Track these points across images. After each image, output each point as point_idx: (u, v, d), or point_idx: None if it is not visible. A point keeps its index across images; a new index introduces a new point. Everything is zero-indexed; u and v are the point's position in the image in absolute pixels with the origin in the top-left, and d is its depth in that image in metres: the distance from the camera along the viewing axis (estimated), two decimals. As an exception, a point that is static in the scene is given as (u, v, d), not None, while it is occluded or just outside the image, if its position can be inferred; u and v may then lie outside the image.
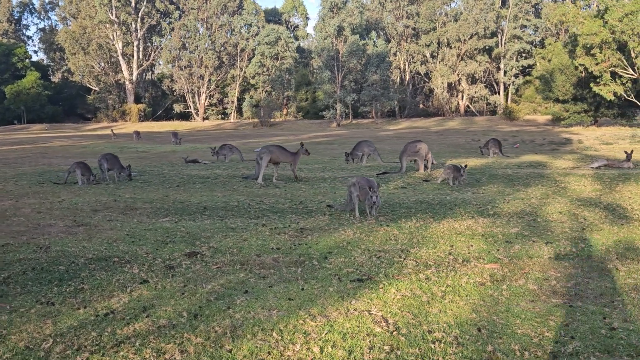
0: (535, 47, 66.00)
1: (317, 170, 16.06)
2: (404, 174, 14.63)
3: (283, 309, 4.98)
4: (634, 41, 32.12)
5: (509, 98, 66.36)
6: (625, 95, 35.51)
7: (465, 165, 13.03)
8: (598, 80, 36.14)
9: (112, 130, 39.20)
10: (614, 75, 35.63)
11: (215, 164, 18.54)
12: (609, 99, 36.19)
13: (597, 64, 34.90)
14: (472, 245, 7.11)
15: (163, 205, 10.29)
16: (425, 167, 15.15)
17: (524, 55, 66.95)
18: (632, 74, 34.38)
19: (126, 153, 24.64)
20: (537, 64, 65.65)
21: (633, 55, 33.31)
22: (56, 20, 77.46)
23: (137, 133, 37.09)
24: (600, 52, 34.42)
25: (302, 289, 5.53)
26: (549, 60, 61.27)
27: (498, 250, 6.88)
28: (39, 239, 7.68)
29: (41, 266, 6.42)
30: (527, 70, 67.63)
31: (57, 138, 39.47)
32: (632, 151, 15.58)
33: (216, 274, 6.14)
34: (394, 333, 4.41)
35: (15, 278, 6.03)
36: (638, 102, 36.02)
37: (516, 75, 66.20)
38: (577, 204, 9.94)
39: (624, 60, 34.24)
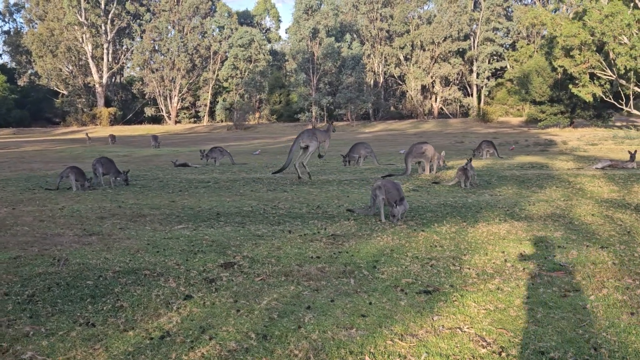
0: (507, 49, 66.56)
1: (317, 173, 15.56)
2: (409, 176, 14.21)
3: (361, 328, 4.48)
4: (614, 42, 32.35)
5: (482, 100, 66.73)
6: (603, 97, 35.80)
7: (470, 159, 12.75)
8: (577, 81, 36.36)
9: (87, 135, 38.15)
10: (592, 76, 35.90)
11: (207, 167, 17.91)
12: (587, 101, 36.45)
13: (576, 65, 35.11)
14: (524, 251, 6.70)
15: (172, 212, 9.69)
16: (431, 169, 14.77)
17: (495, 57, 67.47)
18: (610, 75, 34.68)
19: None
20: (509, 66, 66.31)
21: (612, 56, 33.58)
22: (22, 23, 75.46)
23: (113, 137, 36.17)
24: (580, 54, 34.63)
25: (370, 304, 5.04)
26: (522, 63, 62.01)
27: (555, 256, 6.48)
28: (52, 250, 7.04)
29: (66, 281, 5.82)
30: (499, 72, 68.21)
31: (28, 142, 38.26)
32: (635, 151, 15.46)
33: (263, 287, 5.61)
34: (503, 355, 3.94)
35: (41, 295, 5.42)
36: (616, 104, 36.33)
37: (489, 78, 66.64)
38: (605, 206, 9.64)
39: (603, 62, 34.51)
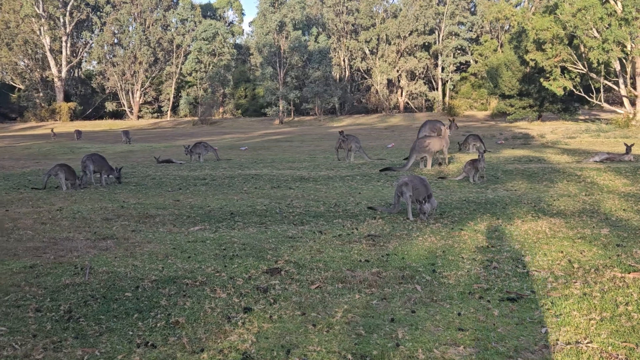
0: (472, 44, 66.94)
1: (310, 168, 15.04)
2: (408, 170, 13.80)
3: (468, 344, 4.02)
4: (586, 36, 32.60)
5: (447, 94, 67.01)
6: (574, 90, 36.11)
7: (484, 151, 12.43)
8: (548, 75, 36.57)
9: (52, 130, 36.68)
10: (563, 70, 36.17)
11: (193, 164, 17.20)
12: (557, 94, 36.71)
13: (548, 59, 35.29)
14: (583, 251, 6.33)
15: (181, 212, 9.06)
16: (440, 163, 14.40)
17: (460, 52, 67.81)
18: (581, 69, 34.97)
19: (79, 154, 22.76)
20: (472, 61, 66.76)
21: (584, 50, 33.85)
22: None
23: (79, 132, 34.91)
24: (552, 47, 34.82)
25: (459, 314, 4.58)
26: (486, 57, 62.47)
27: (619, 255, 6.12)
28: (70, 257, 6.38)
29: (101, 293, 5.20)
30: (463, 67, 68.59)
31: (-12, 139, 36.59)
32: (632, 144, 15.38)
33: (325, 297, 5.10)
34: (647, 372, 3.53)
35: (80, 311, 4.81)
36: (587, 97, 36.69)
37: (454, 72, 66.91)
38: (632, 200, 9.38)
39: (574, 55, 34.77)
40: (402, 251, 6.49)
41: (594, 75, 35.18)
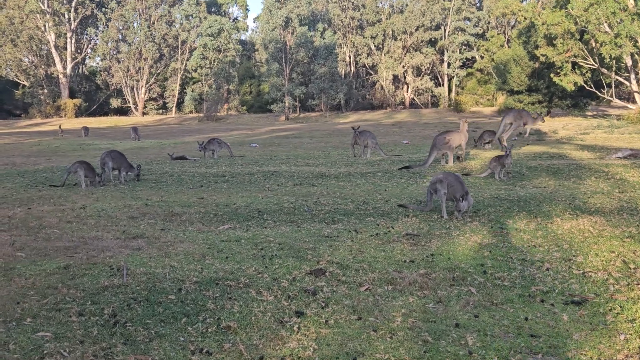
0: (479, 39, 66.54)
1: (328, 165, 14.80)
2: (428, 167, 13.56)
3: (546, 352, 3.81)
4: (599, 30, 32.29)
5: (453, 90, 66.68)
6: (585, 85, 35.80)
7: (511, 147, 12.21)
8: (558, 70, 36.27)
9: (59, 127, 36.49)
10: (573, 65, 35.86)
11: (208, 160, 16.98)
12: (568, 90, 36.39)
13: (559, 54, 34.97)
14: (636, 251, 6.11)
15: (207, 210, 8.84)
16: (459, 158, 14.18)
17: (466, 47, 67.43)
18: (592, 64, 34.65)
19: (89, 150, 22.63)
20: (477, 56, 66.41)
21: (596, 45, 33.54)
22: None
23: (86, 129, 34.75)
24: (563, 42, 34.51)
25: (526, 319, 4.36)
26: (493, 53, 62.12)
27: (675, 255, 5.89)
28: (103, 257, 6.17)
29: (143, 296, 5.00)
30: (468, 62, 68.18)
31: (-5, 135, 36.40)
32: (656, 140, 15.12)
33: (377, 300, 4.89)
34: None
35: (124, 315, 4.60)
36: (598, 92, 36.39)
37: (460, 67, 66.52)
38: (668, 198, 9.15)
39: (585, 50, 34.45)
40: (447, 251, 6.27)
41: (605, 71, 34.87)
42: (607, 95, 36.33)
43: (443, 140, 13.79)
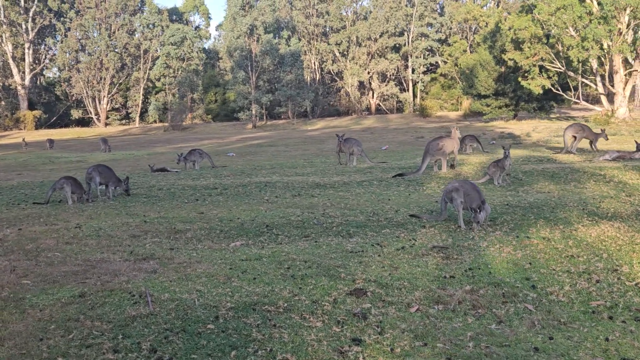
0: (442, 45, 67.08)
1: (319, 174, 14.45)
2: (422, 174, 13.33)
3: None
4: (566, 34, 32.75)
5: (418, 95, 67.04)
6: (552, 89, 36.29)
7: (509, 147, 12.05)
8: (526, 74, 36.71)
9: (23, 139, 35.25)
10: (541, 69, 36.34)
11: (188, 172, 16.46)
12: (536, 93, 36.86)
13: (526, 58, 35.40)
14: (678, 259, 5.92)
15: (211, 226, 8.39)
16: (452, 166, 13.97)
17: (429, 53, 67.92)
18: (559, 67, 35.15)
19: (60, 164, 21.88)
20: (440, 62, 66.95)
21: (562, 48, 34.02)
22: None
23: (51, 141, 33.75)
24: (530, 46, 34.94)
25: (607, 340, 4.09)
26: (456, 58, 62.76)
27: None
28: (118, 283, 5.70)
29: (178, 326, 4.58)
30: (432, 67, 68.66)
31: (-46, 150, 34.95)
32: (644, 142, 15.20)
33: (435, 323, 4.58)
34: None
35: (166, 349, 4.19)
36: (565, 95, 36.95)
37: (424, 73, 66.94)
38: (678, 200, 9.07)
39: (552, 54, 34.93)
40: (484, 264, 5.99)
41: (572, 74, 35.41)
42: (574, 98, 36.89)
43: (437, 147, 13.57)
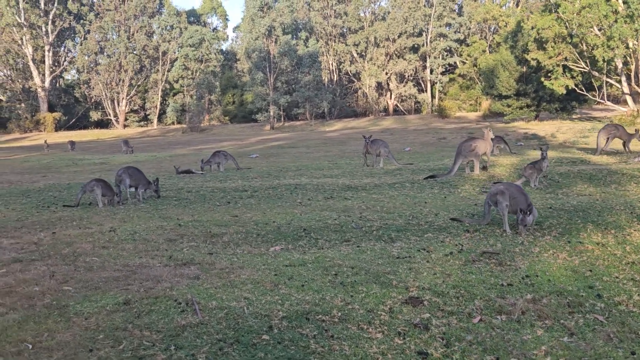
0: (461, 45, 66.54)
1: (348, 176, 14.23)
2: (454, 176, 13.07)
3: None
4: (591, 33, 32.25)
5: (437, 96, 66.56)
6: (576, 89, 35.76)
7: (547, 148, 11.75)
8: (549, 74, 36.21)
9: (45, 142, 35.43)
10: (564, 68, 35.81)
11: (215, 174, 16.31)
12: (559, 93, 36.32)
13: (550, 58, 34.91)
14: None
15: (247, 229, 8.20)
16: (484, 167, 13.70)
17: (448, 53, 67.43)
18: (583, 67, 34.62)
19: (83, 166, 21.85)
20: (458, 62, 66.38)
21: (587, 48, 33.51)
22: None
23: (72, 143, 33.82)
24: (554, 46, 34.45)
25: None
26: (475, 58, 62.22)
27: None
28: (162, 290, 5.52)
29: (232, 337, 4.40)
30: (450, 68, 68.15)
31: (-23, 152, 35.15)
32: (679, 143, 14.82)
33: (502, 334, 4.34)
34: None
35: (222, 362, 3.96)
36: (589, 95, 36.41)
37: (443, 73, 66.45)
38: None
39: (576, 53, 34.41)
40: (541, 271, 5.73)
41: (596, 73, 34.85)
42: (598, 98, 36.35)
43: (469, 148, 13.29)
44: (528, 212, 7.38)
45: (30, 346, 4.31)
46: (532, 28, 35.98)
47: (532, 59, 36.40)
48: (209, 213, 9.56)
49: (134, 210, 10.04)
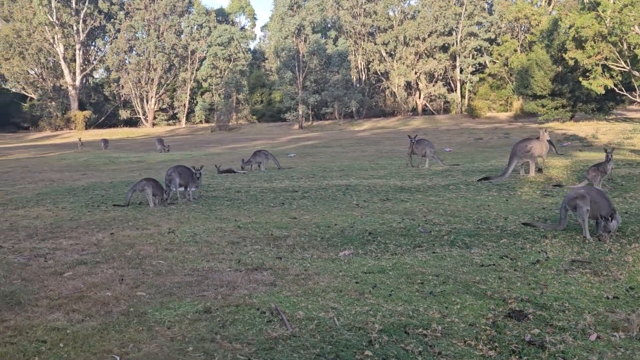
0: (492, 44, 65.64)
1: (396, 177, 13.89)
2: (508, 177, 12.65)
3: None
4: (632, 32, 31.45)
5: (466, 96, 65.74)
6: (615, 89, 34.95)
7: (612, 150, 11.28)
8: (587, 74, 35.42)
9: (79, 140, 35.57)
10: (603, 68, 35.01)
11: (255, 173, 16.06)
12: (597, 93, 35.50)
13: (588, 57, 34.14)
14: None
15: (310, 232, 7.90)
16: (540, 169, 13.24)
17: (478, 52, 66.55)
18: (623, 67, 33.81)
19: (120, 164, 21.76)
20: (487, 62, 65.48)
21: (626, 47, 32.70)
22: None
23: (105, 141, 33.87)
24: (593, 45, 33.68)
25: None
26: (507, 58, 61.37)
27: None
28: (240, 297, 5.23)
29: (330, 352, 4.10)
30: (480, 68, 67.25)
31: (11, 149, 35.42)
32: None
33: (629, 355, 3.95)
34: None
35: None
36: (629, 95, 35.59)
37: (473, 73, 65.62)
38: None
39: (616, 52, 33.59)
40: (645, 283, 5.33)
41: (637, 73, 34.00)
42: (638, 98, 35.51)
43: (525, 149, 12.85)
44: (611, 218, 6.96)
45: (118, 358, 4.04)
46: (570, 27, 35.26)
47: (570, 58, 35.65)
48: (265, 214, 9.27)
49: (188, 211, 9.79)
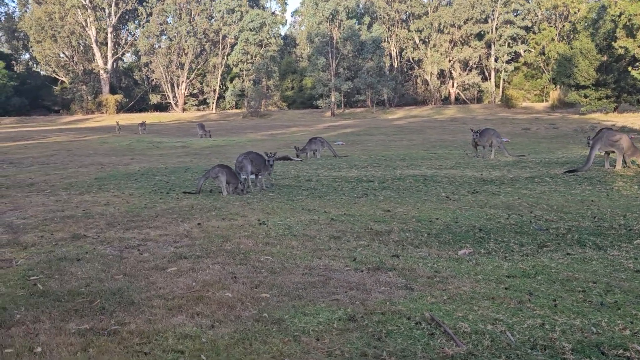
0: (528, 32, 64.15)
1: (462, 167, 13.18)
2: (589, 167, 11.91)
3: None
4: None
5: (501, 85, 64.43)
6: (669, 80, 33.80)
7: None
8: (637, 64, 34.23)
9: (117, 123, 35.25)
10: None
11: (319, 161, 15.47)
12: (640, 84, 34.33)
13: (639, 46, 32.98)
14: None
15: (412, 227, 7.26)
16: (624, 163, 12.45)
17: (513, 41, 65.07)
18: (676, 57, 32.65)
19: (164, 149, 21.31)
20: (521, 51, 64.02)
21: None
22: (15, 7, 71.57)
23: (143, 125, 33.35)
24: (646, 34, 32.56)
25: None
26: (543, 46, 59.97)
27: None
28: (379, 303, 4.64)
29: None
30: (514, 56, 65.79)
31: (48, 132, 35.19)
32: None
33: None
34: None
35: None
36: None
37: (508, 62, 64.23)
38: None
39: (669, 42, 32.43)
40: None
41: (690, 64, 32.81)
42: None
43: (613, 137, 12.08)
44: None
45: (279, 378, 3.44)
46: (621, 14, 34.06)
47: (620, 47, 34.47)
48: (354, 206, 8.63)
49: (268, 200, 9.19)
